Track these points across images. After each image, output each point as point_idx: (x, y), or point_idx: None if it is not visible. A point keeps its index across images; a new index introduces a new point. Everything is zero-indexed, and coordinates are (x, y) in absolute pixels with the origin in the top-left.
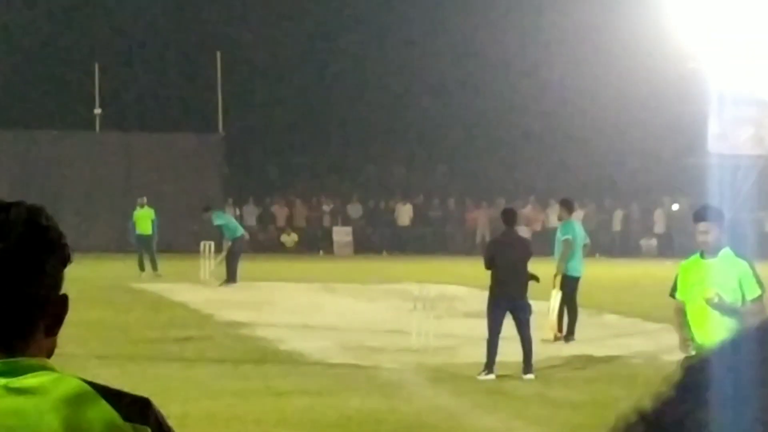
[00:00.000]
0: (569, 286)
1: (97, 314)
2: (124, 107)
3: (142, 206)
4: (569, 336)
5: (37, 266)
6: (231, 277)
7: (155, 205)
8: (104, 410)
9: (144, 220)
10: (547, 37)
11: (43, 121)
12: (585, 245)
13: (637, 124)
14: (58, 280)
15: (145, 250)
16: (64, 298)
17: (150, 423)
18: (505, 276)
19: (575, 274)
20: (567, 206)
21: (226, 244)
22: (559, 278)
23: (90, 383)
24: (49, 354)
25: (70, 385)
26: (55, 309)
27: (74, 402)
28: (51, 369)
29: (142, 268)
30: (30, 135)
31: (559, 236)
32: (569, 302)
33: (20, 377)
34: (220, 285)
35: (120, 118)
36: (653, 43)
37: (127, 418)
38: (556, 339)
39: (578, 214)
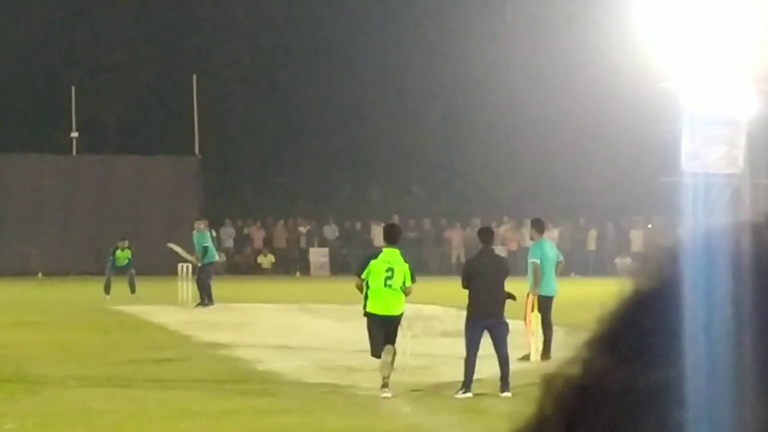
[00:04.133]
0: (543, 305)
1: (76, 336)
2: (100, 130)
3: (123, 249)
4: (545, 354)
5: None
6: (209, 299)
7: (131, 228)
8: None
9: (123, 259)
10: (521, 58)
11: (20, 144)
12: (558, 263)
13: (610, 143)
14: None
15: (125, 274)
16: None
17: None
18: (482, 295)
19: (549, 293)
20: (537, 227)
21: (198, 265)
22: (533, 300)
23: None
24: None
25: None
26: None
27: None
28: None
29: (107, 291)
30: (6, 158)
31: (529, 258)
32: (544, 321)
33: None
34: (196, 306)
35: (97, 141)
36: (626, 64)
37: None
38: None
39: (552, 234)
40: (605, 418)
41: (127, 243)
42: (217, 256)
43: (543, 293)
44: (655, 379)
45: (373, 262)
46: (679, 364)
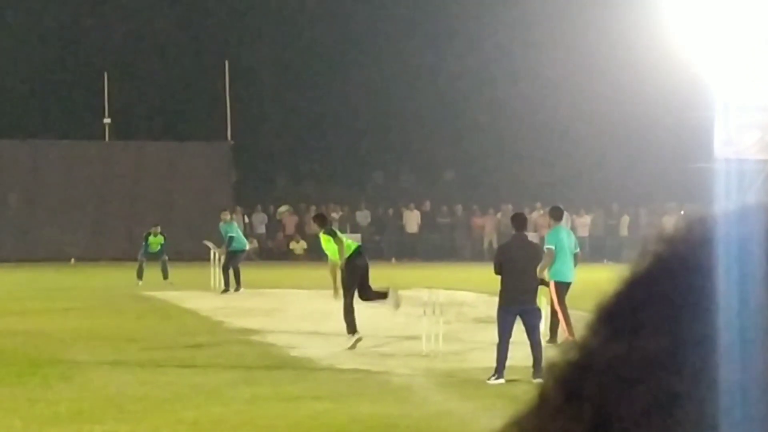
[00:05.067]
0: (557, 290)
1: (108, 322)
2: (133, 116)
3: (155, 235)
4: (553, 339)
5: None
6: (237, 284)
7: (163, 214)
8: None
9: (155, 245)
10: (554, 44)
11: (53, 130)
12: (575, 254)
13: (644, 129)
14: None
15: (158, 260)
16: None
17: None
18: (515, 281)
19: (563, 279)
20: (555, 215)
21: (224, 251)
22: (551, 285)
23: None
24: None
25: None
26: None
27: None
28: None
29: (140, 277)
30: (40, 144)
31: (545, 245)
32: (554, 306)
33: None
34: (222, 293)
35: (129, 127)
36: (660, 49)
37: None
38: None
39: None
40: (602, 390)
41: (159, 229)
42: (247, 244)
43: (557, 278)
44: (650, 349)
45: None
46: (672, 334)
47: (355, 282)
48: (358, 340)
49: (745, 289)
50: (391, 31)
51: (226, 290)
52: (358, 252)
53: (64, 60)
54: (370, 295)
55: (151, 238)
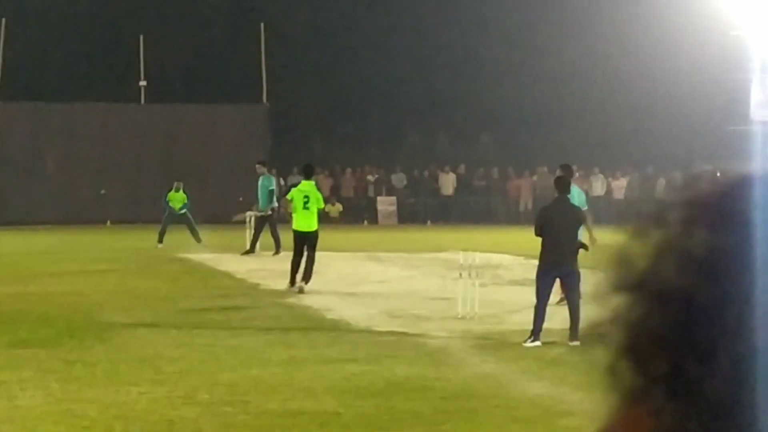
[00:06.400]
0: None
1: (145, 284)
2: (168, 79)
3: (177, 190)
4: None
5: None
6: (277, 247)
7: (199, 176)
8: None
9: (177, 202)
10: (589, 8)
11: (89, 93)
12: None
13: (679, 92)
14: None
15: (185, 224)
16: None
17: None
18: (555, 243)
19: None
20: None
21: (256, 211)
22: None
23: None
24: None
25: None
26: None
27: None
28: None
29: (160, 240)
30: (75, 107)
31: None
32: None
33: None
34: (243, 254)
35: (165, 90)
36: (696, 11)
37: None
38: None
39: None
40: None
41: (181, 185)
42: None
43: None
44: (731, 242)
45: (293, 190)
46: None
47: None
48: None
49: None
50: None
51: (277, 252)
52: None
53: (99, 22)
54: None
55: (171, 194)
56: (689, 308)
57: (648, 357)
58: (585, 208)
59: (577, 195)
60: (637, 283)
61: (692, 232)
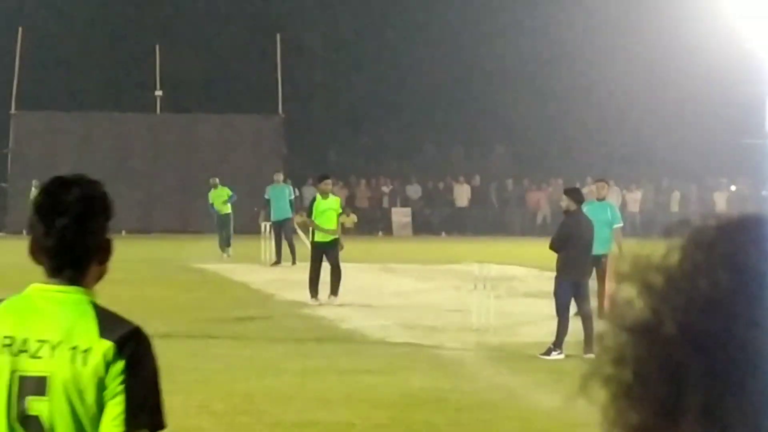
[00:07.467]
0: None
1: (160, 293)
2: (184, 89)
3: (215, 186)
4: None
5: (91, 227)
6: (292, 257)
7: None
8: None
9: (219, 200)
10: (605, 19)
11: (104, 102)
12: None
13: (695, 104)
14: (105, 231)
15: (223, 229)
16: (109, 240)
17: (125, 352)
18: (579, 256)
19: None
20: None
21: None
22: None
23: (98, 307)
24: (101, 275)
25: (81, 299)
26: (104, 248)
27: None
28: (82, 293)
29: (222, 249)
30: (91, 117)
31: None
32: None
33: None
34: (272, 265)
35: (180, 99)
36: (711, 25)
37: (102, 335)
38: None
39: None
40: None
41: (218, 180)
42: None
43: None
44: (735, 283)
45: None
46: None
47: None
48: None
49: None
50: (443, 5)
51: (293, 262)
52: None
53: (116, 32)
54: None
55: (212, 193)
56: (693, 348)
57: (654, 396)
58: (621, 224)
59: (610, 209)
60: (641, 324)
61: (696, 275)
